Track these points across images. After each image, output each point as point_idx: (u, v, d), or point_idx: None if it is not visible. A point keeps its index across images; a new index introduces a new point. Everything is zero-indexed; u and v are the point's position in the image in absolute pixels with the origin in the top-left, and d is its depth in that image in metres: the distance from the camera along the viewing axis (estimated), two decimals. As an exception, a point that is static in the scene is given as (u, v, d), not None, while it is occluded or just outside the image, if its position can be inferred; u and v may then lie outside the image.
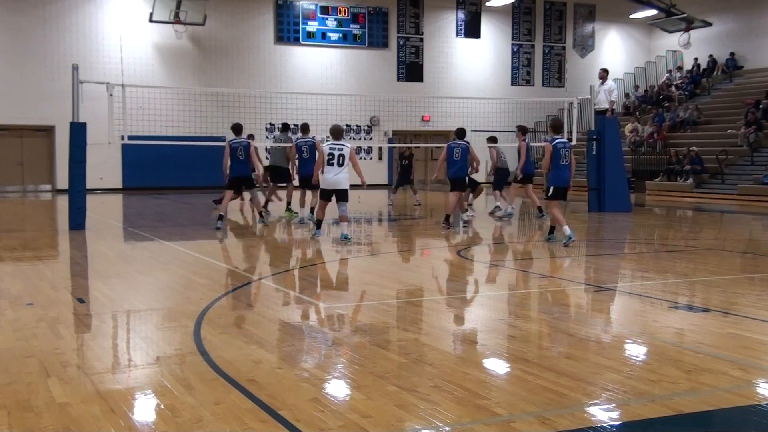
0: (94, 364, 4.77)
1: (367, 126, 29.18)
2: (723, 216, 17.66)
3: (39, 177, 25.78)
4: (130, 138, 14.95)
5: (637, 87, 32.46)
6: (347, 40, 29.00)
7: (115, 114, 13.99)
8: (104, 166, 24.22)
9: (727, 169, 22.46)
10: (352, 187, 11.49)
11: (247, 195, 14.87)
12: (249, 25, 27.70)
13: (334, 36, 28.78)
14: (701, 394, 4.18)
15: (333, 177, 11.17)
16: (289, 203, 15.42)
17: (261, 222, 13.86)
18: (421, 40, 30.32)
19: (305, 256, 10.62)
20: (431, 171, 26.74)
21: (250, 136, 15.18)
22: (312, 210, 13.64)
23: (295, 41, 28.22)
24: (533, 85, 32.30)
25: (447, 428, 3.67)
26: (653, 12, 31.30)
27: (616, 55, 33.65)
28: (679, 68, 32.25)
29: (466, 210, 15.09)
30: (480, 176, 16.68)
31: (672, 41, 32.61)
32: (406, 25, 30.12)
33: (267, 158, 20.15)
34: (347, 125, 27.53)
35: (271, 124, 25.81)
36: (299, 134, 14.49)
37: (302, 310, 6.89)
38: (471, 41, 31.13)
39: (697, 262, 9.64)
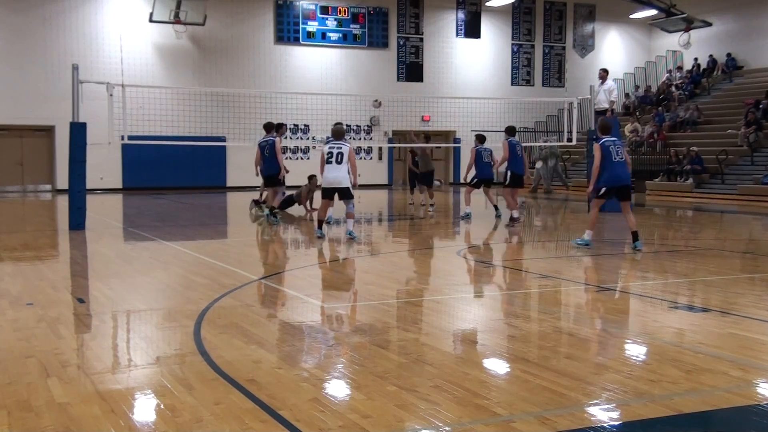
0: (94, 364, 4.78)
1: (367, 126, 29.17)
2: (723, 216, 17.65)
3: (39, 177, 25.76)
4: (130, 138, 14.97)
5: (637, 87, 32.46)
6: (347, 40, 28.97)
7: (115, 114, 13.98)
8: (104, 166, 24.21)
9: (727, 169, 22.45)
10: None
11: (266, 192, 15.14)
12: (249, 25, 27.67)
13: (334, 36, 28.76)
14: (701, 394, 4.18)
15: (333, 175, 11.19)
16: (261, 201, 16.14)
17: (274, 221, 13.72)
18: (421, 40, 30.29)
19: (305, 255, 10.63)
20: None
21: (279, 126, 14.48)
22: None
23: (295, 41, 28.20)
24: (533, 85, 32.28)
25: (447, 428, 3.67)
26: (653, 12, 31.29)
27: (616, 55, 33.63)
28: (679, 68, 32.24)
29: (430, 209, 16.49)
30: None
31: (672, 41, 32.60)
32: (406, 25, 30.10)
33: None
34: (347, 125, 27.50)
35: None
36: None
37: (302, 310, 6.90)
38: (471, 41, 31.11)
39: (697, 262, 9.64)
